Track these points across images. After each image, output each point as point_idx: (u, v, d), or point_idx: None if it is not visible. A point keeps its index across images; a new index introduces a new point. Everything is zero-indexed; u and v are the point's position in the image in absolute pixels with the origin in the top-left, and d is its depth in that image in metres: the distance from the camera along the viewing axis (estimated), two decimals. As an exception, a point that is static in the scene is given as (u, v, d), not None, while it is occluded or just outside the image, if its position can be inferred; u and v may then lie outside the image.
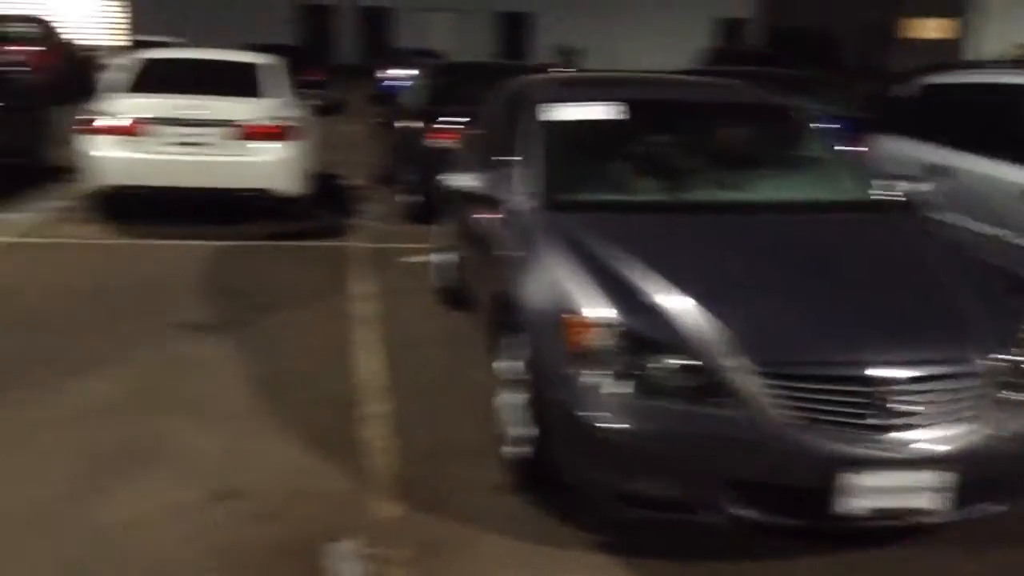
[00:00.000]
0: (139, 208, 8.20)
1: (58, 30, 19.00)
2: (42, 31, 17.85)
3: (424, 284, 6.65)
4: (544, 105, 4.40)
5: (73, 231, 8.03)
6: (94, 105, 8.11)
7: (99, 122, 7.80)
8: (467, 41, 31.14)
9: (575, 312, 3.23)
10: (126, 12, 30.31)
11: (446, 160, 7.29)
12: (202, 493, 3.66)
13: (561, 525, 3.52)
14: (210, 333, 5.60)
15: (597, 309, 3.21)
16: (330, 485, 3.78)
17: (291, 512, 3.54)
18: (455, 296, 5.97)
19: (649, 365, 3.06)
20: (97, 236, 7.90)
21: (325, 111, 16.23)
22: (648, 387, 3.05)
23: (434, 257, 6.58)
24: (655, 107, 4.78)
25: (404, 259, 7.55)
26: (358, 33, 34.35)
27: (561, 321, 3.26)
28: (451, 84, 9.44)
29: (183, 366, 5.07)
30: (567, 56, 30.86)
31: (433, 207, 7.66)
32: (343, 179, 11.01)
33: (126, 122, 7.76)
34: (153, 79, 8.27)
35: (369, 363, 5.17)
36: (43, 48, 16.50)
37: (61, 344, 5.29)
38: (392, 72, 19.02)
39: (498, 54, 33.80)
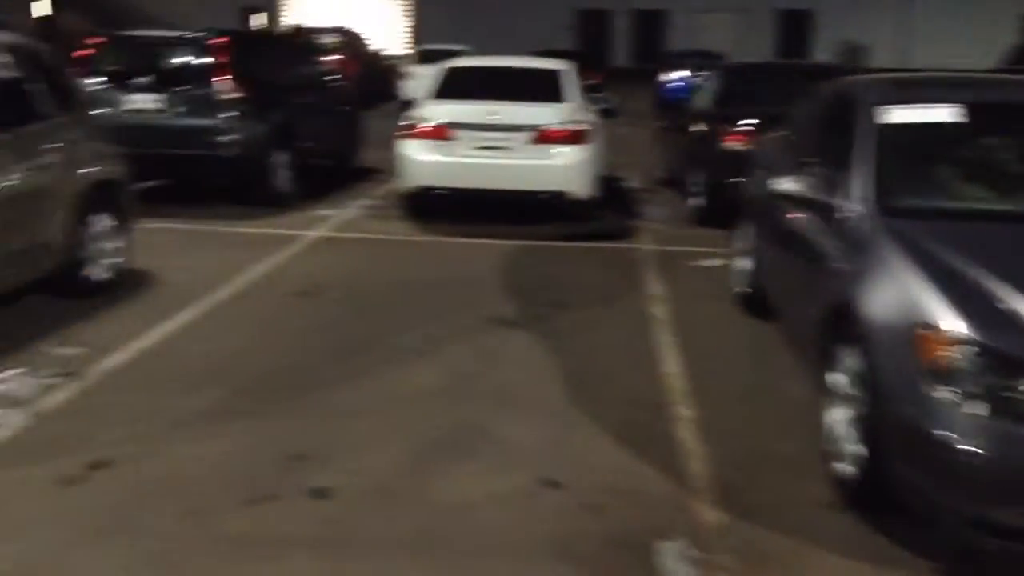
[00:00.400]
0: (440, 207, 8.69)
1: (362, 40, 20.58)
2: (349, 41, 19.40)
3: (719, 288, 6.57)
4: (881, 107, 4.20)
5: (383, 227, 8.65)
6: (410, 111, 8.71)
7: (414, 127, 8.36)
8: (744, 41, 30.42)
9: (932, 326, 3.04)
10: (414, 22, 32.31)
11: (741, 163, 7.15)
12: (527, 481, 3.81)
13: (897, 548, 3.34)
14: (516, 328, 5.84)
15: (956, 323, 3.00)
16: (649, 484, 3.81)
17: (615, 507, 3.61)
18: (755, 302, 5.85)
19: (1021, 387, 2.83)
20: (404, 233, 8.46)
21: (605, 114, 16.47)
22: (1016, 410, 2.83)
23: (733, 261, 6.47)
24: (999, 110, 4.42)
25: (696, 263, 7.50)
26: (631, 36, 34.53)
27: (914, 335, 3.09)
28: (744, 85, 9.27)
29: (495, 358, 5.31)
30: (850, 54, 29.37)
31: (722, 210, 7.55)
32: (625, 181, 11.11)
33: (437, 127, 8.26)
34: (460, 86, 8.74)
35: (671, 365, 5.17)
36: (350, 57, 17.92)
37: (383, 332, 5.71)
38: (673, 75, 18.94)
39: (777, 53, 32.71)
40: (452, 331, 5.73)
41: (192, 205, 8.89)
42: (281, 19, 32.08)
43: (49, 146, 5.62)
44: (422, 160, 8.31)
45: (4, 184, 5.14)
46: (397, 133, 8.65)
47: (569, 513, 3.59)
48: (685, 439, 4.23)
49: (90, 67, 8.48)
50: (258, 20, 30.13)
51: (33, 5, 27.20)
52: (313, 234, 8.27)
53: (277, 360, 5.17)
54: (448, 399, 4.71)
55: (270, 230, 8.30)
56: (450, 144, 8.25)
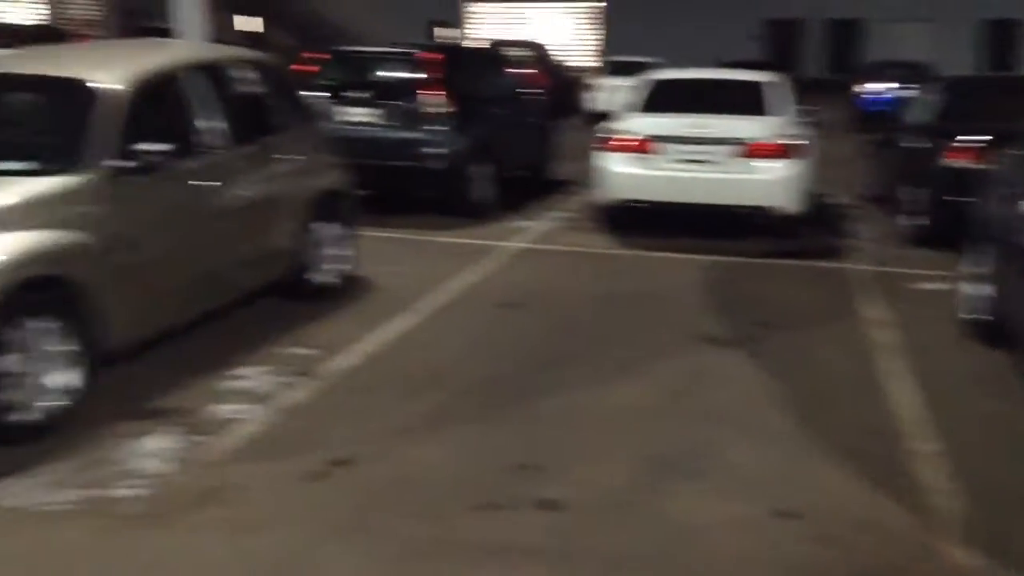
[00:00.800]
0: (637, 221, 8.64)
1: (549, 54, 20.85)
2: (537, 54, 19.70)
3: (946, 314, 6.19)
4: None
5: (580, 240, 8.66)
6: (610, 123, 8.72)
7: (614, 140, 8.36)
8: (945, 51, 28.73)
9: None
10: (600, 35, 32.42)
11: (970, 181, 6.76)
12: (759, 509, 3.70)
13: None
14: (724, 346, 5.72)
15: None
16: (890, 519, 3.63)
17: (856, 541, 3.45)
18: (992, 330, 5.48)
19: None
20: (601, 246, 8.45)
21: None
22: None
23: (963, 286, 6.07)
24: None
25: (916, 285, 7.12)
26: (823, 46, 33.35)
27: None
28: (968, 99, 8.74)
29: (707, 377, 5.22)
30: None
31: (945, 231, 7.15)
32: (829, 197, 10.69)
33: (638, 140, 8.24)
34: (662, 99, 8.68)
35: (901, 394, 4.92)
36: (539, 70, 18.17)
37: (591, 346, 5.71)
38: (870, 86, 18.14)
39: (981, 65, 30.69)
40: (659, 347, 5.67)
41: (398, 214, 9.17)
42: (466, 33, 32.89)
43: (285, 157, 5.96)
44: (623, 173, 8.29)
45: (249, 193, 5.49)
46: (596, 146, 8.67)
47: (807, 544, 3.46)
48: (925, 471, 4.01)
49: (312, 81, 8.93)
50: (444, 34, 31.01)
51: (236, 19, 28.99)
52: (513, 245, 8.39)
53: (492, 368, 5.27)
54: (664, 417, 4.66)
55: (472, 240, 8.49)
56: (653, 157, 8.19)
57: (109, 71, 4.77)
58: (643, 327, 6.10)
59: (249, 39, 25.34)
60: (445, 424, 4.52)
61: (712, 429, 4.49)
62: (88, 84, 4.62)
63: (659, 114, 8.47)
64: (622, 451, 4.25)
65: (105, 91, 4.61)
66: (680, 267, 7.69)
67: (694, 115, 8.26)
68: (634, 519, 3.64)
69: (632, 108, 8.79)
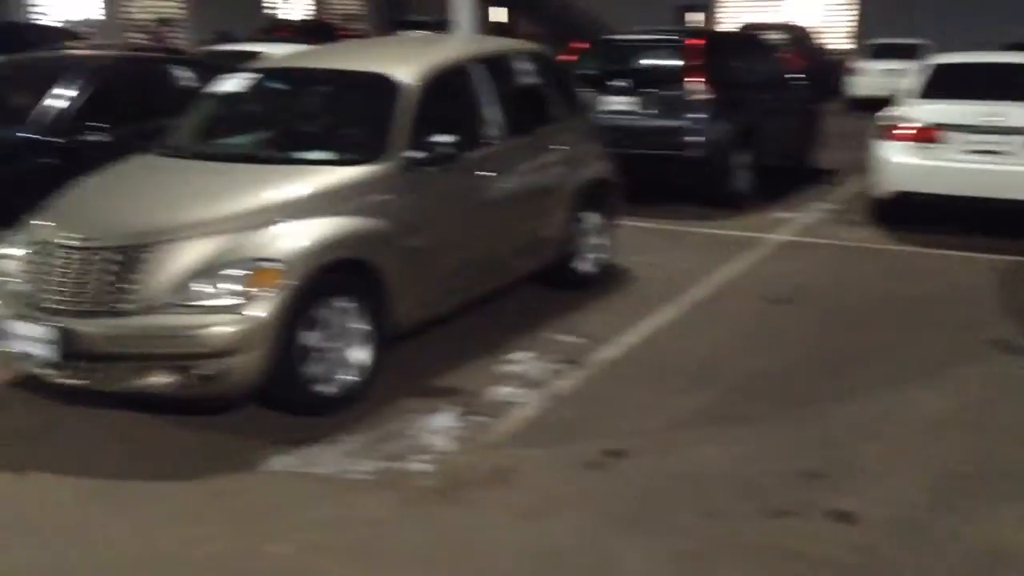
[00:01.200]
0: (911, 215, 8.06)
1: (809, 36, 19.92)
2: (794, 37, 18.90)
3: None
4: None
5: (848, 234, 8.19)
6: (891, 110, 8.20)
7: (895, 127, 7.84)
8: None
9: None
10: (855, 15, 30.69)
11: None
12: (1087, 540, 3.35)
13: None
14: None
15: None
16: None
17: None
18: None
19: None
20: (873, 241, 7.95)
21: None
22: None
23: None
24: None
25: None
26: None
27: None
28: None
29: (1008, 387, 4.80)
30: None
31: None
32: None
33: (920, 128, 7.68)
34: (946, 84, 8.05)
35: None
36: (797, 53, 17.40)
37: (872, 348, 5.37)
38: None
39: None
40: (949, 353, 5.26)
41: (653, 203, 9.08)
42: (717, 16, 32.11)
43: (556, 147, 6.03)
44: (904, 163, 7.75)
45: (525, 182, 5.61)
46: (876, 133, 8.16)
47: None
48: None
49: (573, 70, 8.98)
50: (695, 18, 30.43)
51: (491, 11, 29.81)
52: (776, 237, 8.08)
53: (764, 366, 5.09)
54: (963, 430, 4.31)
55: (732, 232, 8.25)
56: (938, 147, 7.61)
57: (407, 66, 5.00)
58: (927, 329, 5.69)
59: (497, 29, 26.04)
60: (720, 421, 4.42)
61: (1020, 447, 4.12)
62: (390, 79, 4.87)
63: (944, 100, 7.84)
64: (918, 464, 3.97)
65: (404, 86, 4.84)
66: (961, 265, 7.12)
67: (985, 102, 7.59)
68: (936, 539, 3.39)
69: (911, 94, 8.20)
